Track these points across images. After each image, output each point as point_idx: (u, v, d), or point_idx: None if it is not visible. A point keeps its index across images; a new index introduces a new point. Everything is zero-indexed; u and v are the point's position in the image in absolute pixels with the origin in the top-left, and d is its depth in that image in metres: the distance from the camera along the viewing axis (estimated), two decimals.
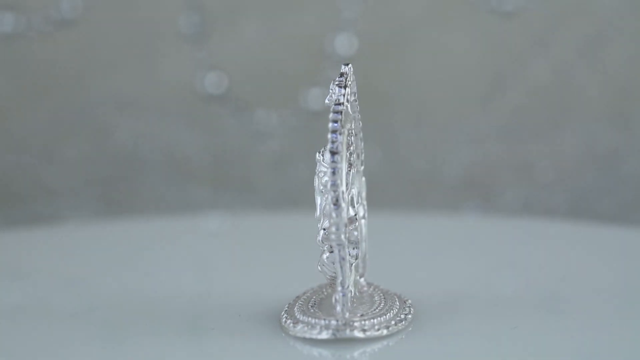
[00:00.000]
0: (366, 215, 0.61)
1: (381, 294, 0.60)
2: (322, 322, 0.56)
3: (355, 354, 0.55)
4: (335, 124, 0.56)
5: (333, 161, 0.55)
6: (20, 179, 1.02)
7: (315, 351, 0.55)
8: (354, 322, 0.56)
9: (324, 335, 0.56)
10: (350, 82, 0.58)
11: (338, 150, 0.56)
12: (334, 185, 0.55)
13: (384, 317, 0.57)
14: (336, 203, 0.55)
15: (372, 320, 0.57)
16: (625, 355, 0.54)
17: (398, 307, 0.59)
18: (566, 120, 1.05)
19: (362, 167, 0.60)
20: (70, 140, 1.04)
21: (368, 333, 0.56)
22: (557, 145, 1.05)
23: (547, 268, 0.72)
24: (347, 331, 0.56)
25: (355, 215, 0.59)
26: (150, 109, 1.05)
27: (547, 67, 1.06)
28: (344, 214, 0.56)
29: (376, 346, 0.55)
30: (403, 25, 1.06)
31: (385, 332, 0.57)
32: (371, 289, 0.61)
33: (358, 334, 0.56)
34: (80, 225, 0.91)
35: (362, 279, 0.61)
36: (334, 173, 0.55)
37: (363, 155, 0.60)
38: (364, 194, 0.60)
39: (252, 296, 0.59)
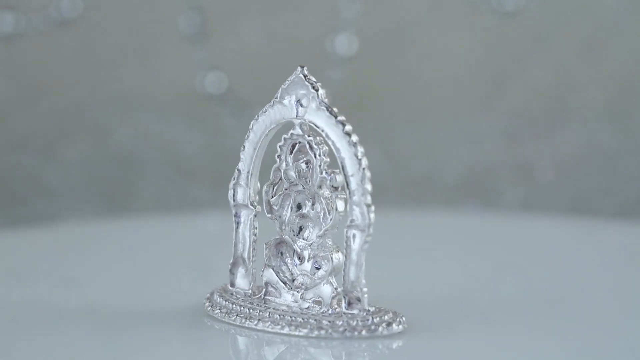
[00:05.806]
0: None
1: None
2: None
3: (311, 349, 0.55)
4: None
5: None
6: (21, 179, 1.02)
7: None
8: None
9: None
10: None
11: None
12: None
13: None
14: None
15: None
16: (626, 355, 0.54)
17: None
18: (566, 120, 1.05)
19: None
20: (70, 140, 1.04)
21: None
22: (557, 145, 1.05)
23: (548, 266, 0.72)
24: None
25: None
26: (150, 109, 1.05)
27: (547, 67, 1.06)
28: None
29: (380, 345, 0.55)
30: (403, 25, 1.06)
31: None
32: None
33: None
34: (80, 225, 0.91)
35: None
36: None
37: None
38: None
39: None
